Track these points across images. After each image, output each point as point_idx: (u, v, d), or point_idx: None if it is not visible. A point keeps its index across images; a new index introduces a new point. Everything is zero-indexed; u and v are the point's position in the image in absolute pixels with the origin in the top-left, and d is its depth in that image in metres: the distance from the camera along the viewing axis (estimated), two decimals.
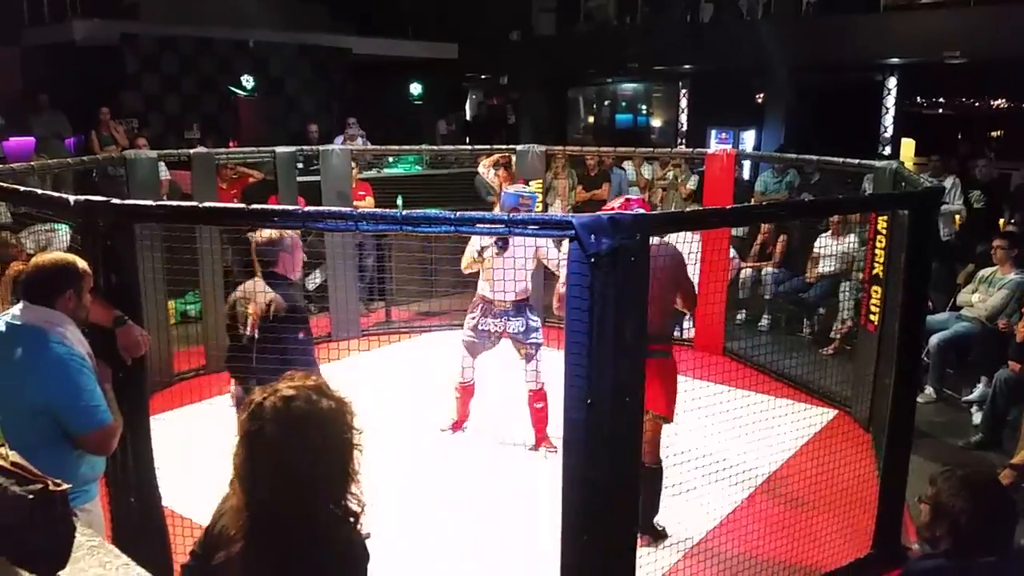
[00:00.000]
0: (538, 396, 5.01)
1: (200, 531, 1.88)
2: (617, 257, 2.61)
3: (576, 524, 2.79)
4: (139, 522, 2.96)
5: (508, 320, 4.95)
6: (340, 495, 1.72)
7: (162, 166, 8.34)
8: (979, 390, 5.69)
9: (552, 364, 4.76)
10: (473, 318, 5.05)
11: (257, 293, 3.49)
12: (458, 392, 5.21)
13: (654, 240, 4.07)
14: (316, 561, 1.67)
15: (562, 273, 4.62)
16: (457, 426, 5.27)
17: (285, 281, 3.65)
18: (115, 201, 2.88)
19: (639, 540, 4.11)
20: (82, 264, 2.64)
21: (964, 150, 9.20)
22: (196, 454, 3.74)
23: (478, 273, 5.06)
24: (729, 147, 11.46)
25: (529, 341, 4.96)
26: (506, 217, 2.78)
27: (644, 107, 20.00)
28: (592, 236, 2.60)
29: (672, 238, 6.99)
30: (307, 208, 2.72)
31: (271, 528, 1.66)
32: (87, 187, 8.27)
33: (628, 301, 2.67)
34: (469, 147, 8.02)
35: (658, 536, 4.12)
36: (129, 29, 12.99)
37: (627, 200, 4.47)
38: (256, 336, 3.44)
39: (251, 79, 13.89)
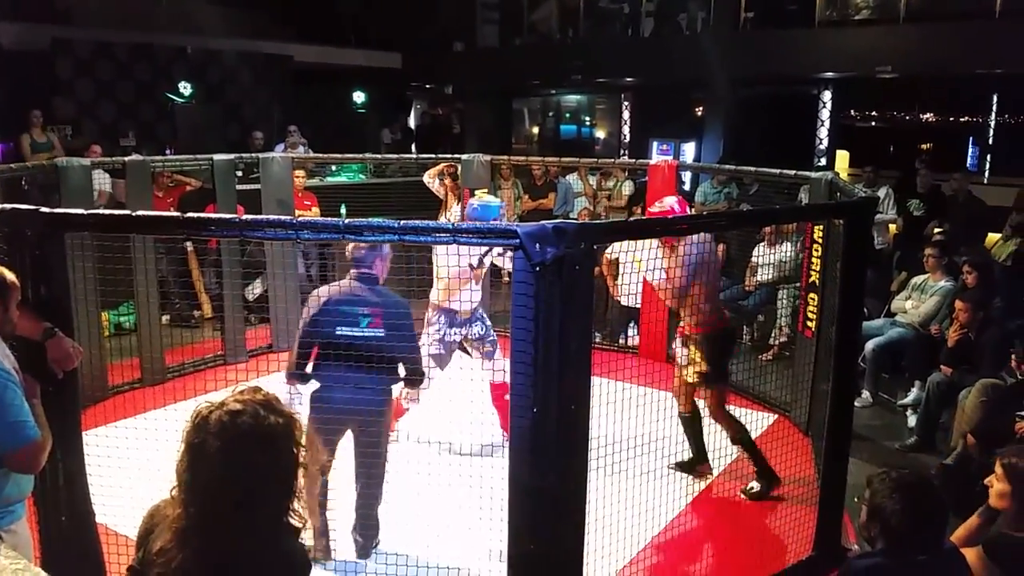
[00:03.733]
0: (504, 388, 5.05)
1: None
2: (562, 266, 2.61)
3: (523, 532, 2.77)
4: (71, 542, 2.85)
5: (470, 326, 5.15)
6: (282, 510, 1.71)
7: (105, 176, 8.15)
8: (913, 394, 5.86)
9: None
10: (439, 330, 5.08)
11: None
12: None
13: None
14: (256, 570, 1.67)
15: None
16: None
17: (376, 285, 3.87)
18: (44, 210, 2.78)
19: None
20: (10, 276, 2.54)
21: (917, 162, 9.47)
22: (133, 469, 3.63)
23: (429, 284, 5.14)
24: (670, 158, 11.66)
25: (489, 340, 5.20)
26: (450, 226, 2.76)
27: (588, 118, 20.19)
28: (537, 245, 2.61)
29: (619, 246, 7.09)
30: (246, 216, 2.66)
31: (210, 539, 1.65)
32: (16, 196, 8.00)
33: (573, 310, 2.68)
34: (414, 156, 7.98)
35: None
36: (61, 34, 12.62)
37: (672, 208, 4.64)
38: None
39: (189, 86, 13.62)
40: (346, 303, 3.76)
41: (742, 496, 4.60)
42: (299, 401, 4.05)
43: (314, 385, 3.79)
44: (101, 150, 9.00)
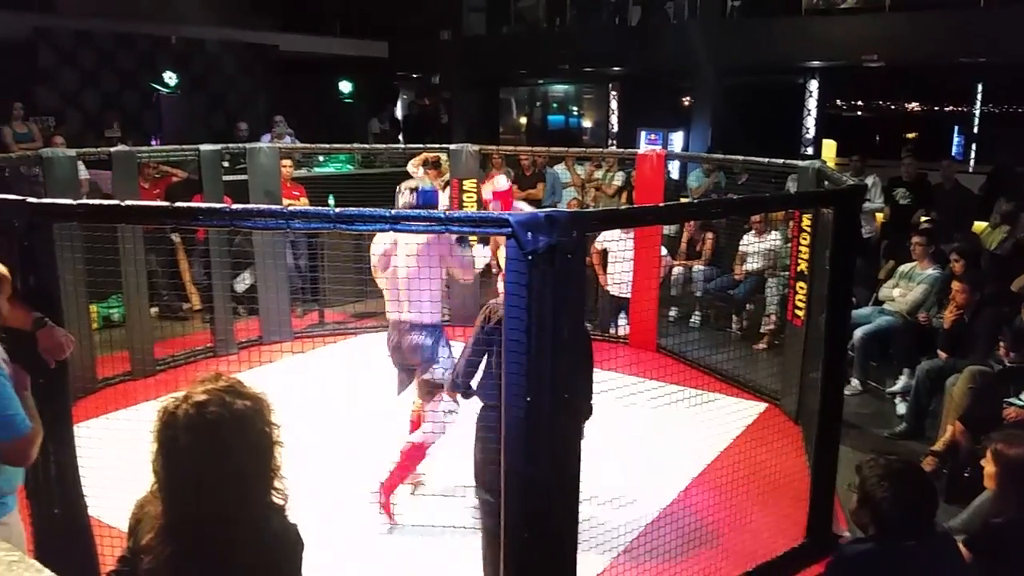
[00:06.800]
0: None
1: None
2: (554, 255, 2.61)
3: (517, 520, 2.78)
4: (64, 534, 2.83)
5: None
6: (264, 492, 1.71)
7: (81, 165, 8.08)
8: (902, 381, 5.89)
9: None
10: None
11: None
12: None
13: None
14: (247, 556, 1.66)
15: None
16: None
17: None
18: (31, 200, 2.75)
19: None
20: (0, 268, 2.51)
21: (902, 150, 9.45)
22: (123, 462, 3.61)
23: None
24: (659, 147, 11.67)
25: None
26: (442, 215, 2.75)
27: (575, 108, 20.18)
28: (529, 234, 2.60)
29: (606, 235, 7.11)
30: (235, 206, 2.64)
31: (195, 531, 1.64)
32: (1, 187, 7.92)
33: (565, 298, 2.68)
34: (401, 146, 7.95)
35: None
36: (43, 22, 12.50)
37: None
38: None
39: (174, 76, 13.51)
40: None
41: None
42: (456, 413, 3.84)
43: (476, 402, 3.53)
44: (64, 140, 8.86)
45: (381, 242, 4.23)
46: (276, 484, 1.73)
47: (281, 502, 1.75)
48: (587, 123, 19.59)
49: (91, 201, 2.91)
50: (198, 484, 1.62)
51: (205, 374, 1.73)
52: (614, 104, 17.35)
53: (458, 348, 3.77)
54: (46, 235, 2.78)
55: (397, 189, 4.26)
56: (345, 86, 16.38)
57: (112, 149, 6.44)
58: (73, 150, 6.19)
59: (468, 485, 4.32)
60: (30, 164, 6.48)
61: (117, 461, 3.59)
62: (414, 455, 4.17)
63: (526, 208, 5.58)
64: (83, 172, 8.16)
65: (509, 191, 4.98)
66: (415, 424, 4.44)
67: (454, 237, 4.11)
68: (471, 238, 4.47)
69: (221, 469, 1.62)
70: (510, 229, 2.61)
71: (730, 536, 3.91)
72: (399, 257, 4.12)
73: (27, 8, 12.48)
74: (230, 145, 7.71)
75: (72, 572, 2.84)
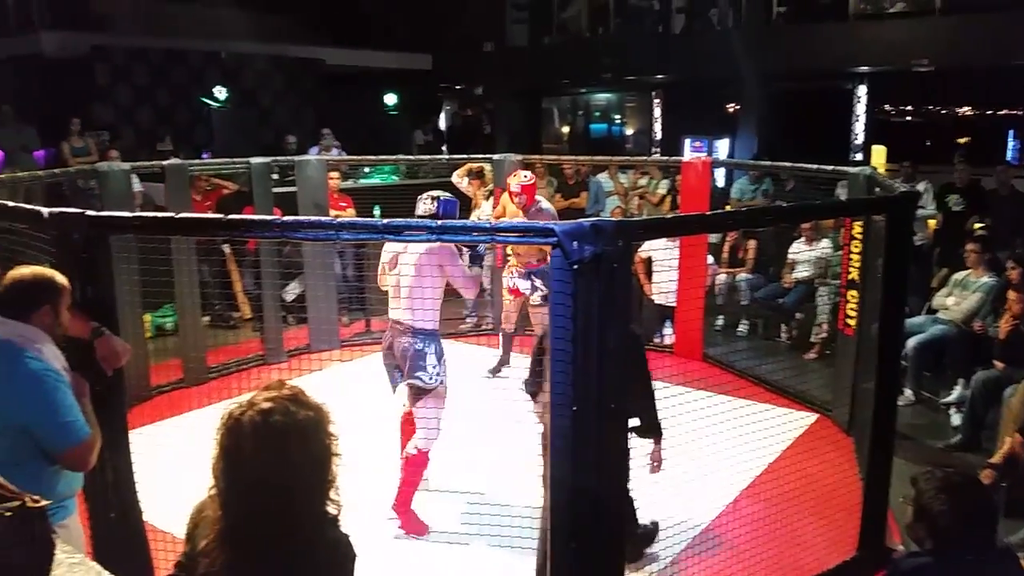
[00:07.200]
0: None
1: (181, 544, 1.85)
2: (600, 264, 2.60)
3: (564, 531, 2.77)
4: (119, 538, 2.90)
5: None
6: (321, 502, 1.72)
7: (135, 178, 8.29)
8: (957, 392, 5.75)
9: None
10: None
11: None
12: None
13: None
14: (303, 565, 1.67)
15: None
16: None
17: None
18: (90, 213, 2.83)
19: None
20: (61, 279, 2.59)
21: (955, 156, 9.17)
22: (176, 468, 3.68)
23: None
24: (704, 155, 11.57)
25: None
26: (487, 225, 2.76)
27: (618, 116, 20.10)
28: (575, 243, 2.59)
29: (651, 244, 7.08)
30: (286, 218, 2.69)
31: (252, 539, 1.65)
32: (58, 200, 8.16)
33: (611, 307, 2.67)
34: (445, 156, 8.01)
35: None
36: (99, 41, 12.86)
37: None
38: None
39: (224, 90, 13.80)
40: None
41: None
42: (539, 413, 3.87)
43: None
44: (118, 154, 9.08)
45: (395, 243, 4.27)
46: (332, 494, 1.73)
47: (335, 512, 1.76)
48: (630, 131, 19.48)
49: (147, 214, 2.98)
50: (259, 491, 1.63)
51: (268, 382, 1.73)
52: (657, 112, 17.24)
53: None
54: (104, 247, 2.86)
55: (419, 197, 4.30)
56: (390, 98, 16.58)
57: (165, 163, 6.61)
58: (127, 164, 6.36)
59: (497, 490, 4.36)
60: (87, 177, 6.67)
61: (170, 467, 3.67)
62: (416, 465, 4.19)
63: (544, 203, 6.15)
64: (137, 185, 8.37)
65: (533, 184, 5.88)
66: (405, 426, 4.44)
67: (465, 255, 4.19)
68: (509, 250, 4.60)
69: (282, 477, 1.63)
70: (556, 239, 2.61)
71: (781, 549, 3.84)
72: (405, 259, 4.16)
73: (84, 28, 12.86)
74: (279, 158, 7.84)
75: (128, 575, 2.91)
